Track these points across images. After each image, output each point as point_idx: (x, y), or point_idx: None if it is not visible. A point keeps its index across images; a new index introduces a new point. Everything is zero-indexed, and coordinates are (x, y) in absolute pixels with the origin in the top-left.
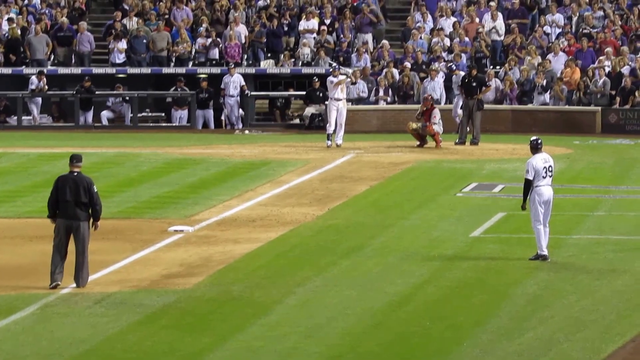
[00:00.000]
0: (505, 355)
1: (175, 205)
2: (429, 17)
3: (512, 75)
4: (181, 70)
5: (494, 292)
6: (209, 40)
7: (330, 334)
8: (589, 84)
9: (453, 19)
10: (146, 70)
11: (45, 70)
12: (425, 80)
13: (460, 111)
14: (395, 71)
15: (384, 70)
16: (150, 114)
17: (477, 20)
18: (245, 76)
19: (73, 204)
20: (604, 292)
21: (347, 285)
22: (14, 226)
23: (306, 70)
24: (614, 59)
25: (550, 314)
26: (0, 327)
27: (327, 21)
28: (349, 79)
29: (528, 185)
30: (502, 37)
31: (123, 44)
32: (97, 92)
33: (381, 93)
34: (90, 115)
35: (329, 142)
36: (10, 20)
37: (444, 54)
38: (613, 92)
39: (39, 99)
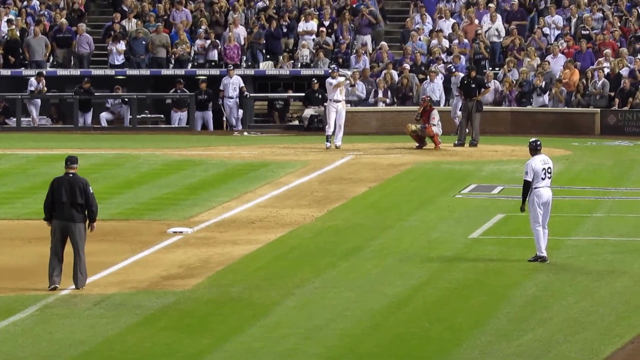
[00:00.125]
0: (504, 356)
1: (175, 207)
2: (428, 19)
3: (511, 76)
4: (180, 71)
5: (493, 294)
6: (208, 41)
7: (329, 335)
8: (588, 85)
9: (452, 21)
10: (145, 71)
11: (44, 72)
12: (424, 82)
13: (459, 112)
14: (395, 73)
15: (383, 72)
16: (149, 116)
17: (476, 21)
18: (244, 78)
19: (69, 206)
20: (603, 293)
21: (346, 287)
22: (13, 228)
23: (305, 71)
24: (613, 61)
25: (549, 316)
26: (0, 329)
27: (326, 23)
28: (347, 81)
29: (527, 187)
30: (501, 39)
31: (122, 46)
32: (96, 94)
33: (380, 94)
34: (89, 117)
35: (328, 144)
36: (9, 21)
37: (443, 56)
38: (612, 94)
39: (38, 101)
